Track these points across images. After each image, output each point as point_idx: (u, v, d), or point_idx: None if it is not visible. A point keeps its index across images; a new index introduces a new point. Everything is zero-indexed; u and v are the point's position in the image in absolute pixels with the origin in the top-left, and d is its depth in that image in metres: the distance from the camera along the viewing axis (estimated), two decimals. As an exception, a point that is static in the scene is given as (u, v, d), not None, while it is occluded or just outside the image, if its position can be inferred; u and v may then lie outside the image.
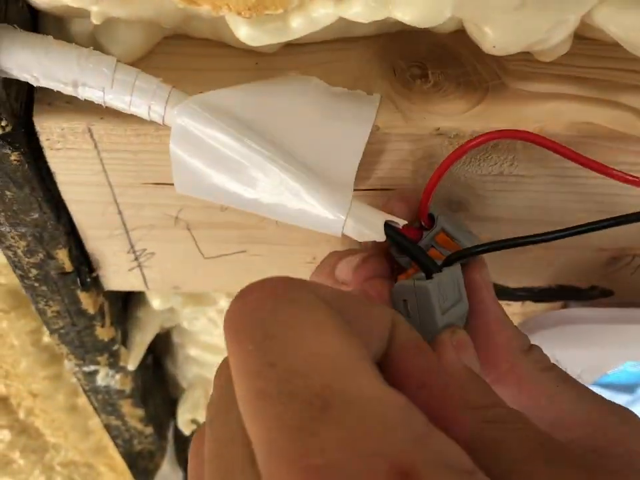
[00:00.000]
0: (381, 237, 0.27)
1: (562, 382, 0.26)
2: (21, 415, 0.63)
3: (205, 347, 0.55)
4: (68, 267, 0.36)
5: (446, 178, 0.31)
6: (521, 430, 0.20)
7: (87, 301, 0.39)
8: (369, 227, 0.27)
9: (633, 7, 0.26)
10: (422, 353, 0.21)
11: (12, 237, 0.34)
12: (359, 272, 0.29)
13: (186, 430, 0.64)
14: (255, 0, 0.24)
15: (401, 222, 0.28)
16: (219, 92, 0.28)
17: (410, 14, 0.23)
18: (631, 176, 0.28)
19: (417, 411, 0.16)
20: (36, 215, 0.33)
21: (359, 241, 0.28)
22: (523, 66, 0.31)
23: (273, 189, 0.27)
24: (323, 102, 0.29)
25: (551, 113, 0.30)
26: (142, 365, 0.49)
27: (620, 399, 0.66)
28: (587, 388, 0.27)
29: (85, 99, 0.28)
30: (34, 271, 0.36)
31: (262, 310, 0.18)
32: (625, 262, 0.36)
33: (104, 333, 0.42)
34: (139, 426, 0.55)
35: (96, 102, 0.28)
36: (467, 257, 0.28)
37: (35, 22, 0.30)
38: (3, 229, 0.33)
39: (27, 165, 0.30)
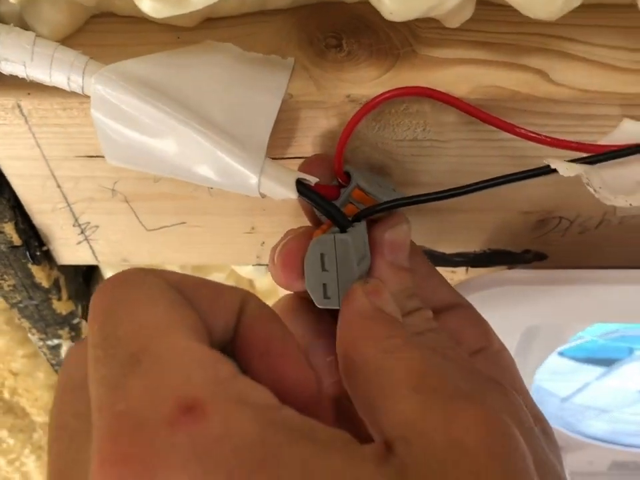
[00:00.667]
0: (293, 193, 0.29)
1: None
2: (6, 394, 0.65)
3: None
4: (16, 240, 0.38)
5: (364, 143, 0.32)
6: (407, 359, 0.22)
7: (39, 275, 0.40)
8: (282, 184, 0.29)
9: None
10: (268, 323, 0.23)
11: (-42, 212, 0.36)
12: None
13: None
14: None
15: (313, 179, 0.29)
16: (135, 60, 0.29)
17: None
18: (534, 133, 0.29)
19: (226, 362, 0.19)
20: (-23, 189, 0.34)
21: (275, 199, 0.29)
22: (433, 33, 0.32)
23: (191, 152, 0.29)
24: (236, 67, 0.31)
25: (459, 77, 0.31)
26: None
27: (595, 371, 0.67)
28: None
29: (10, 75, 0.29)
30: (-16, 245, 0.38)
31: (106, 294, 0.21)
32: (552, 225, 0.37)
33: (61, 306, 0.43)
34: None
35: (20, 76, 0.29)
36: (373, 213, 0.30)
37: (-34, 4, 0.31)
38: (-53, 204, 0.35)
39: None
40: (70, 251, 0.40)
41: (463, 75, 0.31)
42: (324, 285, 0.28)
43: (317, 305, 0.29)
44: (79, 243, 0.40)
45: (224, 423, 0.17)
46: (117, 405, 0.18)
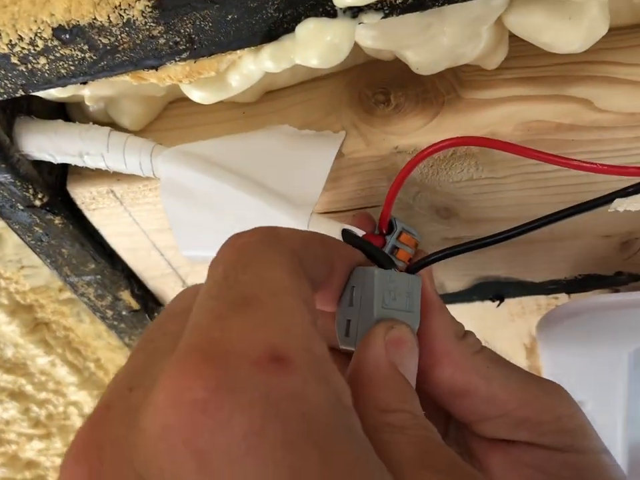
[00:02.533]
0: None
1: (492, 363, 0.28)
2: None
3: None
4: (134, 305, 0.42)
5: (423, 189, 0.34)
6: (415, 437, 0.23)
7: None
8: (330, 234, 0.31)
9: (535, 9, 0.27)
10: None
11: (81, 286, 0.41)
12: None
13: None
14: (189, 68, 0.28)
15: (358, 231, 0.31)
16: (197, 143, 0.33)
17: (312, 58, 0.27)
18: (587, 162, 0.29)
19: (323, 345, 0.20)
20: (93, 265, 0.39)
21: None
22: (476, 76, 0.33)
23: (247, 214, 0.31)
24: (291, 142, 0.33)
25: (502, 116, 0.31)
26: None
27: None
28: (516, 366, 0.29)
29: (95, 168, 0.34)
30: (109, 312, 0.43)
31: (238, 245, 0.22)
32: (638, 246, 0.36)
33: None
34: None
35: (103, 168, 0.34)
36: (428, 264, 0.30)
37: (64, 110, 0.36)
38: (72, 280, 0.40)
39: (70, 226, 0.37)
40: (185, 309, 0.44)
41: (507, 114, 0.31)
42: (348, 321, 0.28)
43: (339, 344, 0.28)
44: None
45: (302, 387, 0.18)
46: (213, 331, 0.19)
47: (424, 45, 0.29)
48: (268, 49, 0.27)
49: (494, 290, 0.41)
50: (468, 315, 0.43)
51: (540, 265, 0.38)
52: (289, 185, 0.32)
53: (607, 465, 0.30)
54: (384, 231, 0.32)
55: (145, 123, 0.36)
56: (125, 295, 0.41)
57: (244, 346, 0.18)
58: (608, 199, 0.28)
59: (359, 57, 0.35)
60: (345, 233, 0.30)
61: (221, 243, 0.31)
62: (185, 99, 0.37)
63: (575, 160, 0.29)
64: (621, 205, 0.27)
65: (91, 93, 0.32)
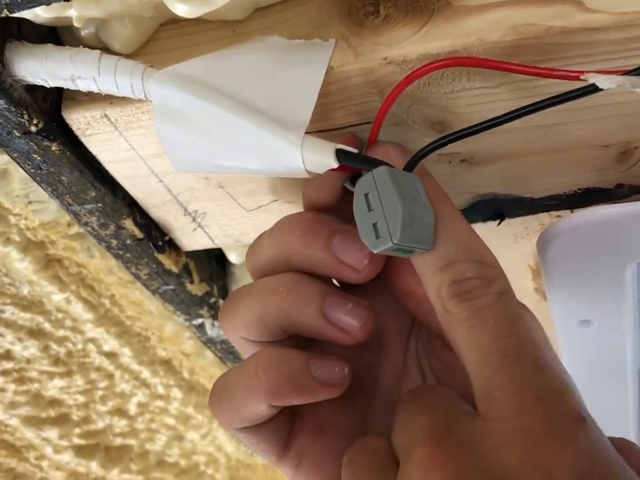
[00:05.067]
0: (334, 162, 0.30)
1: None
2: (185, 374, 0.72)
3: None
4: (138, 234, 0.43)
5: (415, 102, 0.33)
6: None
7: (167, 262, 0.45)
8: (323, 156, 0.31)
9: None
10: None
11: (84, 215, 0.41)
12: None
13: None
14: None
15: (352, 149, 0.31)
16: (186, 63, 0.33)
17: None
18: (566, 71, 0.29)
19: None
20: (93, 193, 0.39)
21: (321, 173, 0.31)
22: (467, -18, 0.32)
23: (240, 138, 0.31)
24: (280, 55, 0.33)
25: (492, 21, 0.31)
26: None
27: None
28: None
29: (88, 91, 0.34)
30: (114, 241, 0.43)
31: None
32: (638, 155, 0.36)
33: (195, 288, 0.48)
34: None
35: (95, 91, 0.34)
36: (423, 156, 0.30)
37: (56, 34, 0.36)
38: (74, 209, 0.41)
39: (68, 153, 0.37)
40: (189, 237, 0.45)
41: (496, 19, 0.31)
42: (374, 225, 0.29)
43: (373, 251, 0.29)
44: (194, 229, 0.44)
45: None
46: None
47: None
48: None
49: (494, 209, 0.40)
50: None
51: (537, 179, 0.38)
52: (280, 102, 0.32)
53: None
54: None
55: (137, 45, 0.36)
56: (128, 224, 0.42)
57: None
58: (590, 89, 0.27)
59: (349, -30, 0.34)
60: (339, 152, 0.30)
61: (212, 161, 0.32)
62: (176, 21, 0.37)
63: (541, 68, 0.29)
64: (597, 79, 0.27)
65: (78, 13, 0.32)
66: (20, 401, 0.70)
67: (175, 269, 0.46)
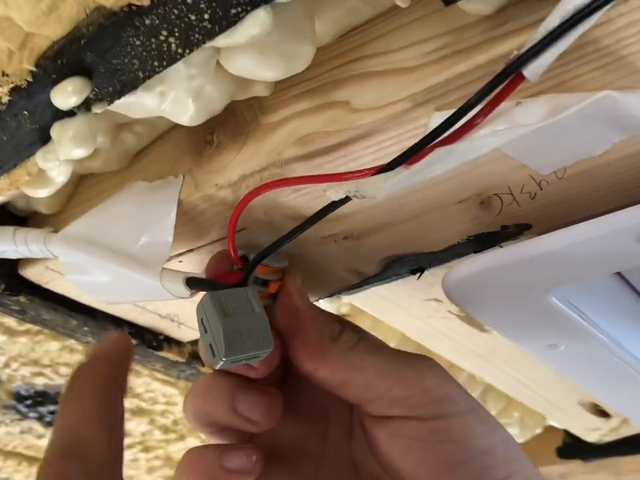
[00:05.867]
0: (186, 291, 0.35)
1: (367, 354, 0.34)
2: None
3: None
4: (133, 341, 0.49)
5: (269, 210, 0.37)
6: None
7: (170, 355, 0.52)
8: (178, 285, 0.35)
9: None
10: None
11: (80, 338, 0.49)
12: None
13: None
14: (9, 180, 0.34)
15: (197, 273, 0.35)
16: (75, 222, 0.39)
17: (71, 151, 0.31)
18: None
19: None
20: (75, 322, 0.47)
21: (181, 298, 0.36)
22: (273, 98, 0.35)
23: (117, 279, 0.37)
24: (143, 198, 0.38)
25: (286, 135, 0.34)
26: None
27: None
28: (390, 350, 0.36)
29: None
30: (117, 350, 0.50)
31: None
32: (498, 203, 0.36)
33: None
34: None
35: (22, 257, 0.41)
36: (253, 266, 0.34)
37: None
38: (72, 335, 0.48)
39: (36, 299, 0.45)
40: (179, 332, 0.51)
41: (288, 132, 0.33)
42: (210, 346, 0.32)
43: (214, 368, 0.33)
44: (179, 326, 0.50)
45: None
46: None
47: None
48: (39, 153, 0.32)
49: (409, 265, 0.42)
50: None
51: (426, 237, 0.39)
52: (142, 243, 0.37)
53: (473, 423, 0.33)
54: (239, 266, 0.35)
55: (61, 204, 0.43)
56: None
57: None
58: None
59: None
60: (189, 280, 0.35)
61: (111, 296, 0.38)
62: (90, 174, 0.43)
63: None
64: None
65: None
66: (156, 464, 0.80)
67: (181, 359, 0.52)
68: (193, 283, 0.35)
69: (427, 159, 0.28)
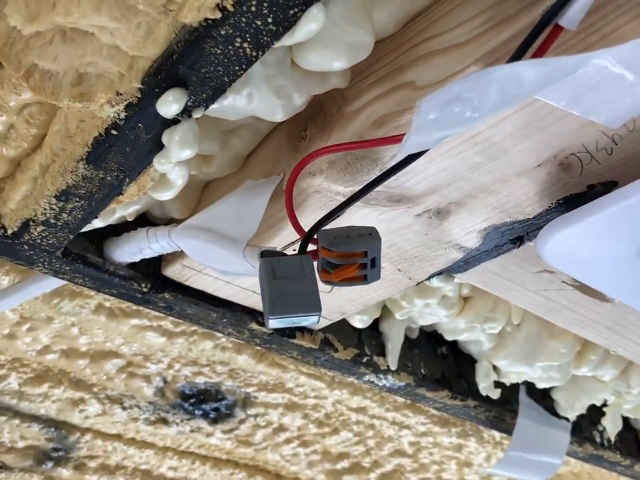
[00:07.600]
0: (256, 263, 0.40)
1: None
2: (433, 411, 0.80)
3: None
4: (267, 330, 0.55)
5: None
6: None
7: (303, 342, 0.56)
8: (255, 259, 0.40)
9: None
10: None
11: (223, 330, 0.54)
12: None
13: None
14: (137, 186, 0.40)
15: (273, 248, 0.40)
16: (195, 216, 0.44)
17: (182, 154, 0.37)
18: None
19: None
20: (214, 315, 0.53)
21: None
22: (352, 90, 0.39)
23: (222, 258, 0.42)
24: (247, 194, 0.43)
25: (364, 119, 0.37)
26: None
27: None
28: None
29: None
30: (257, 339, 0.56)
31: None
32: (577, 163, 0.38)
33: (344, 354, 0.58)
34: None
35: (158, 254, 0.47)
36: (310, 235, 0.37)
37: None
38: (215, 328, 0.54)
39: (179, 295, 0.51)
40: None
41: (366, 116, 0.37)
42: (263, 306, 0.37)
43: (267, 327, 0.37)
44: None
45: None
46: None
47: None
48: (156, 159, 0.38)
49: (508, 235, 0.44)
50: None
51: (517, 204, 0.41)
52: (237, 228, 0.42)
53: None
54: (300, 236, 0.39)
55: (190, 209, 0.49)
56: (255, 325, 0.54)
57: None
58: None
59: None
60: (263, 253, 0.39)
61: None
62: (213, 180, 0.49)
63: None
64: None
65: (127, 213, 0.46)
66: (315, 459, 0.85)
67: (314, 346, 0.56)
68: (265, 254, 0.39)
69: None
